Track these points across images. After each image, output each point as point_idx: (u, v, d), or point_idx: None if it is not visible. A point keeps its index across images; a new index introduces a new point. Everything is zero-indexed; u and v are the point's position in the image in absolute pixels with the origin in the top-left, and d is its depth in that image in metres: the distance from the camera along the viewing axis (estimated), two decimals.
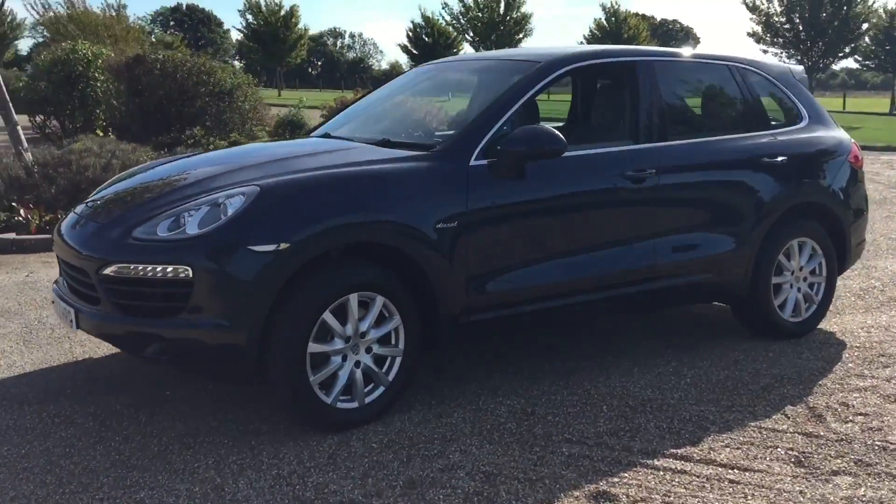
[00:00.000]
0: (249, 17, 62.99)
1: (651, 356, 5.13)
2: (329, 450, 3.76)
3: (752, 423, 4.11)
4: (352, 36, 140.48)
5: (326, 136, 5.31)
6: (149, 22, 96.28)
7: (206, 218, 3.79)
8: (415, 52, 66.56)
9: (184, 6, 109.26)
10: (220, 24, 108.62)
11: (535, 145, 4.27)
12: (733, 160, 5.23)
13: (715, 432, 4.00)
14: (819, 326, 5.79)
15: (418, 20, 68.83)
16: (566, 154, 4.51)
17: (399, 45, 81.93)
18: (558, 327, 5.47)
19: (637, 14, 72.13)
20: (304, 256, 3.78)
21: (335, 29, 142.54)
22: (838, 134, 5.83)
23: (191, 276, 3.67)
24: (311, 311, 3.79)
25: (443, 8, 65.65)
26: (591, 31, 72.14)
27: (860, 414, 4.25)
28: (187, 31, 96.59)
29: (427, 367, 4.82)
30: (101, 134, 13.79)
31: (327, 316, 3.84)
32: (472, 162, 4.26)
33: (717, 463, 3.68)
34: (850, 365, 5.02)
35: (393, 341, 4.10)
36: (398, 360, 4.12)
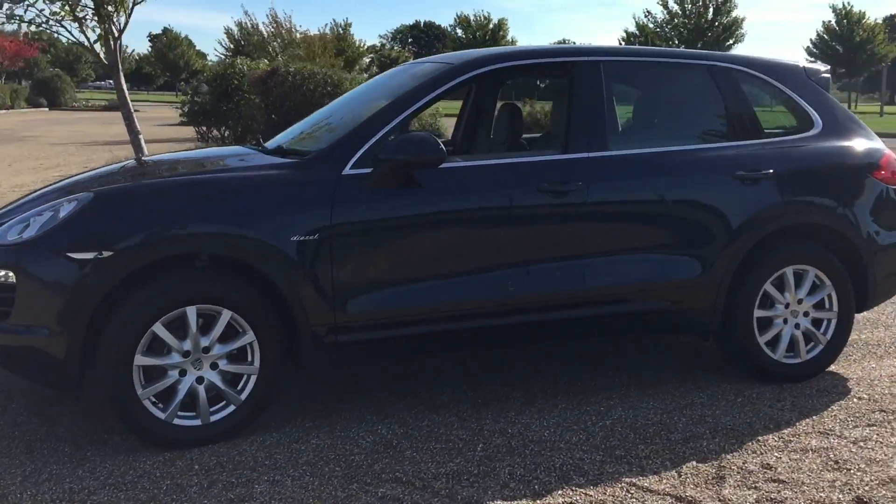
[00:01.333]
0: (459, 31, 64.36)
1: (592, 391, 4.57)
2: (143, 467, 3.60)
3: (627, 479, 3.52)
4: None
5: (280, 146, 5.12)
6: (389, 39, 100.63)
7: (45, 223, 3.76)
8: None
9: (421, 23, 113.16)
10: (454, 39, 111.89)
11: (409, 153, 3.91)
12: (695, 173, 4.55)
13: (568, 485, 3.45)
14: (833, 369, 4.94)
15: (632, 29, 67.37)
16: (466, 164, 4.13)
17: None
18: (451, 352, 5.00)
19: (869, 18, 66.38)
20: (130, 266, 3.65)
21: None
22: (864, 144, 4.94)
23: (13, 280, 3.64)
24: (138, 321, 3.65)
25: (646, 16, 63.74)
26: (818, 34, 67.54)
27: (772, 481, 3.52)
28: (423, 46, 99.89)
29: (325, 385, 4.57)
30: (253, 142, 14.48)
31: (158, 328, 3.69)
32: (347, 171, 3.96)
33: None
34: (826, 419, 4.21)
35: (249, 358, 3.89)
36: (252, 377, 3.90)
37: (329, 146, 4.11)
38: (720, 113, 4.80)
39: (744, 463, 3.69)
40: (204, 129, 17.46)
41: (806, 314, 4.76)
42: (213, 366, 3.83)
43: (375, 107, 4.30)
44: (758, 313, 4.64)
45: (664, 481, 3.51)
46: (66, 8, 11.60)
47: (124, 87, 12.68)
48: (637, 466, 3.65)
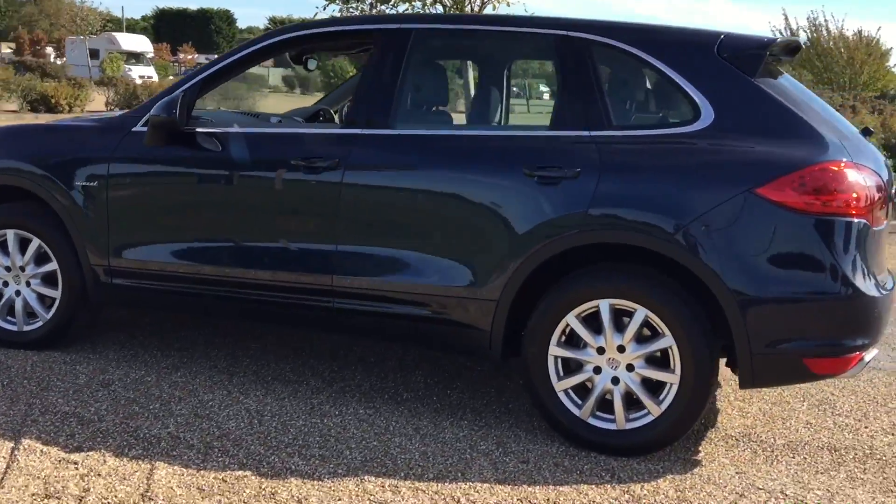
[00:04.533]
0: None
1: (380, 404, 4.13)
2: None
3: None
4: None
5: None
6: None
7: None
8: None
9: None
10: None
11: (157, 113, 4.09)
12: (476, 164, 3.76)
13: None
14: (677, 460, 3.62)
15: None
16: (237, 130, 4.15)
17: None
18: (212, 318, 4.69)
19: None
20: None
21: None
22: (771, 152, 3.44)
23: None
24: None
25: None
26: None
27: None
28: None
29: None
30: None
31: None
32: (137, 128, 4.30)
33: None
34: None
35: (59, 282, 4.53)
36: (57, 300, 4.53)
37: (142, 105, 4.48)
38: (550, 93, 3.82)
39: None
40: None
41: (630, 368, 3.57)
42: (28, 284, 4.55)
43: None
44: (557, 351, 3.65)
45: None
46: None
47: None
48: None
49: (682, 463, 3.59)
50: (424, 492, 3.20)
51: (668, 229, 3.44)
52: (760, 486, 3.41)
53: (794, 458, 3.71)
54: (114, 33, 54.83)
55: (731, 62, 3.59)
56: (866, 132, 4.13)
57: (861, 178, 3.41)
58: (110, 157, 4.27)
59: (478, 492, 3.23)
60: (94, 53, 47.86)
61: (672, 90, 3.66)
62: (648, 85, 3.92)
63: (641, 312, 3.51)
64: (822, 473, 3.58)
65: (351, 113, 4.00)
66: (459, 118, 4.34)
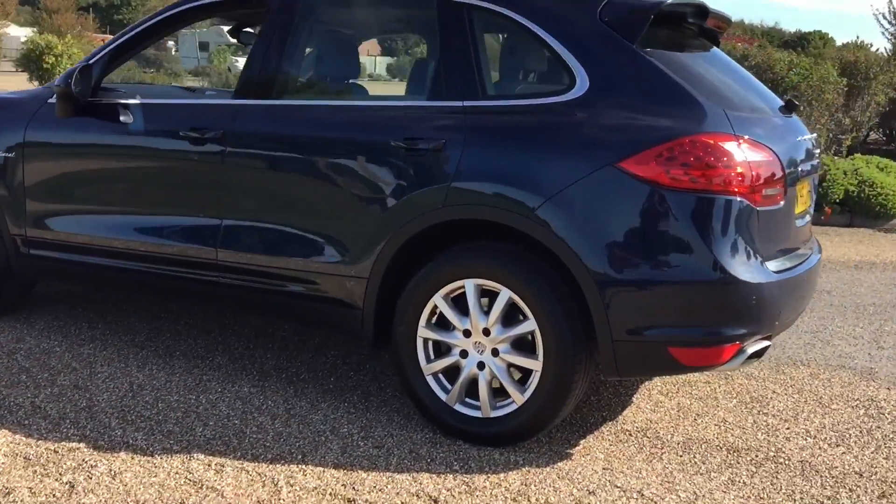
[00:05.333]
0: None
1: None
2: None
3: None
4: None
5: None
6: None
7: None
8: None
9: None
10: None
11: (58, 84, 4.10)
12: (348, 134, 3.61)
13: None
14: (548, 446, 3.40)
15: None
16: (136, 101, 4.11)
17: None
18: (120, 291, 4.62)
19: None
20: None
21: None
22: (645, 121, 3.17)
23: None
24: None
25: None
26: None
27: None
28: None
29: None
30: None
31: None
32: (51, 100, 4.33)
33: None
34: None
35: None
36: None
37: (63, 75, 4.49)
38: (428, 60, 3.63)
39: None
40: None
41: (496, 353, 3.36)
42: None
43: None
44: (427, 333, 3.47)
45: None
46: None
47: None
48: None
49: (550, 455, 3.36)
50: (249, 472, 3.09)
51: (527, 205, 3.21)
52: (618, 485, 3.15)
53: (680, 456, 3.43)
54: (222, 26, 56.53)
55: (613, 27, 3.31)
56: (790, 106, 3.76)
57: (741, 154, 3.10)
58: (26, 127, 4.31)
59: (305, 475, 3.09)
60: (203, 46, 49.38)
61: (550, 57, 3.41)
62: (528, 52, 3.67)
63: (506, 294, 3.29)
64: (701, 475, 3.28)
65: (239, 83, 3.90)
66: (367, 88, 4.15)
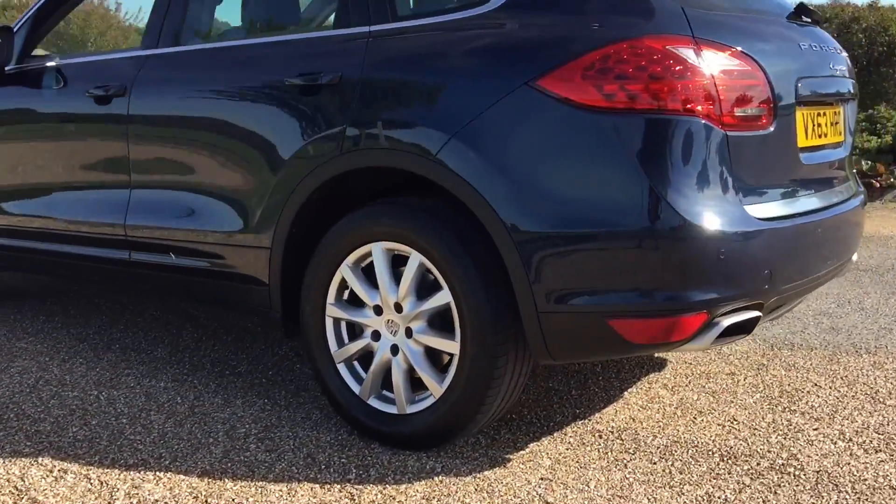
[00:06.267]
0: None
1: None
2: None
3: None
4: None
5: None
6: None
7: None
8: None
9: None
10: None
11: None
12: (242, 78, 3.04)
13: None
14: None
15: None
16: (50, 64, 3.70)
17: None
18: (42, 275, 4.08)
19: None
20: None
21: None
22: (568, 29, 2.45)
23: None
24: None
25: None
26: None
27: None
28: None
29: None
30: None
31: None
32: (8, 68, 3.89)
33: None
34: None
35: None
36: None
37: None
38: None
39: None
40: None
41: (409, 333, 2.69)
42: None
43: None
44: (335, 312, 2.85)
45: None
46: None
47: None
48: None
49: (479, 462, 2.66)
50: (91, 480, 2.54)
51: (425, 146, 2.53)
52: (550, 500, 2.42)
53: (653, 464, 2.66)
54: None
55: None
56: (802, 11, 2.92)
57: (701, 61, 2.33)
58: None
59: (158, 484, 2.52)
60: None
61: None
62: None
63: (416, 258, 2.62)
64: (669, 488, 2.51)
65: (146, 30, 3.40)
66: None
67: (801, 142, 2.67)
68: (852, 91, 3.06)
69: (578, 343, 2.47)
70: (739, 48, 2.43)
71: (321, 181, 2.76)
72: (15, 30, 3.78)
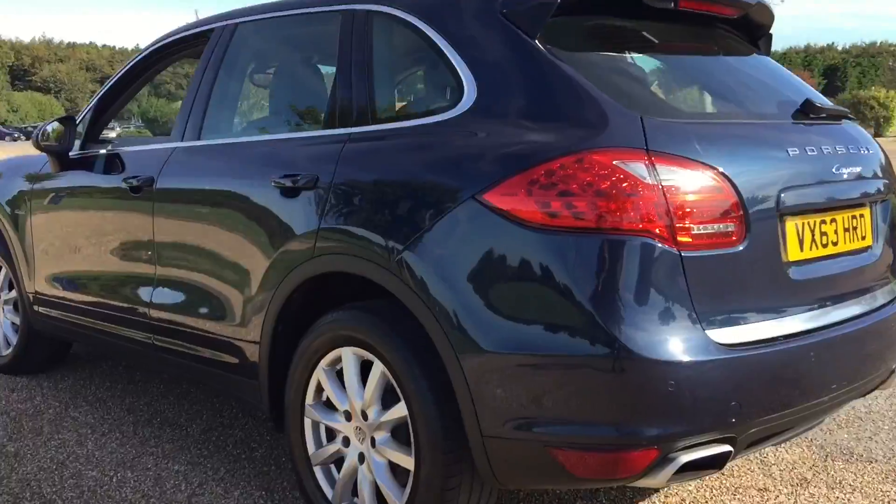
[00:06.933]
0: None
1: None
2: None
3: None
4: None
5: None
6: None
7: None
8: None
9: None
10: None
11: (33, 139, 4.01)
12: (235, 176, 3.12)
13: None
14: None
15: None
16: (102, 152, 3.92)
17: None
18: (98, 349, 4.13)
19: None
20: None
21: None
22: (524, 137, 2.35)
23: None
24: None
25: None
26: None
27: None
28: None
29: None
30: None
31: None
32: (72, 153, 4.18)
33: None
34: None
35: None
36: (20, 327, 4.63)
37: None
38: (312, 87, 3.01)
39: None
40: None
41: (374, 442, 2.64)
42: None
43: None
44: (313, 413, 2.84)
45: None
46: None
47: None
48: None
49: None
50: None
51: (385, 255, 2.49)
52: None
53: None
54: None
55: (513, 21, 2.52)
56: (808, 108, 2.67)
57: (652, 176, 2.17)
58: (33, 182, 4.27)
59: None
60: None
61: (442, 66, 2.65)
62: (423, 62, 2.91)
63: (378, 367, 2.58)
64: None
65: (175, 125, 3.54)
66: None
67: (794, 255, 2.43)
68: (882, 190, 2.77)
69: (523, 471, 2.33)
70: (703, 160, 2.25)
71: (299, 281, 2.77)
72: (78, 119, 4.02)
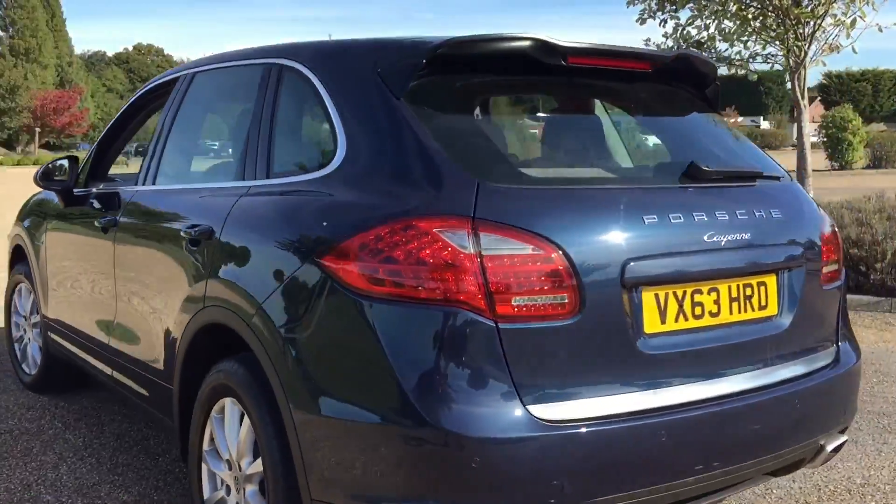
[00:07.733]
0: None
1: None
2: None
3: None
4: None
5: None
6: None
7: None
8: None
9: None
10: None
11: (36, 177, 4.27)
12: (160, 222, 3.23)
13: None
14: None
15: None
16: (93, 191, 4.15)
17: None
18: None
19: None
20: None
21: None
22: (362, 203, 2.36)
23: None
24: None
25: None
26: None
27: None
28: None
29: None
30: None
31: None
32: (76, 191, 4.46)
33: None
34: None
35: None
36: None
37: None
38: (239, 136, 3.06)
39: None
40: None
41: (245, 494, 2.68)
42: None
43: None
44: (208, 460, 2.91)
45: None
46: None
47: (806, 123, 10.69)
48: None
49: None
50: None
51: (247, 310, 2.54)
52: None
53: None
54: None
55: (384, 80, 2.51)
56: (693, 172, 2.50)
57: (473, 245, 2.11)
58: (49, 215, 4.56)
59: None
60: None
61: (326, 124, 2.67)
62: (316, 118, 2.91)
63: (247, 419, 2.61)
64: None
65: (144, 165, 3.69)
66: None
67: (652, 327, 2.29)
68: (798, 256, 2.57)
69: None
70: (534, 230, 2.16)
71: (195, 330, 2.85)
72: (84, 158, 4.27)
